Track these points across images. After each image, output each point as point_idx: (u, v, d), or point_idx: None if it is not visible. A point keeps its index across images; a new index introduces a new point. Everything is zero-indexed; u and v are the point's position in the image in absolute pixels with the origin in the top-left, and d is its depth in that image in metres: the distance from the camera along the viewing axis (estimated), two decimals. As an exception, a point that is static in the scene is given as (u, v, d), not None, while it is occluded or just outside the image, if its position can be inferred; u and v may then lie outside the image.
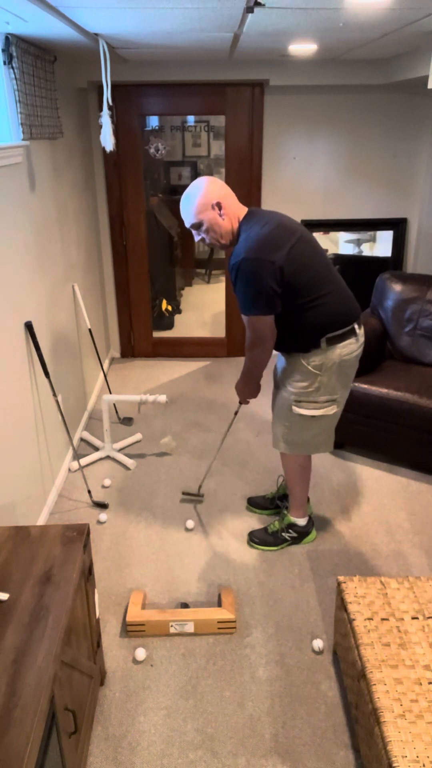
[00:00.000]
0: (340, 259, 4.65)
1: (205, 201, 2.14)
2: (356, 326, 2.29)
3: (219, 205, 2.14)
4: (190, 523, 2.83)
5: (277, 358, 2.48)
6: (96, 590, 1.94)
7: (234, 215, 2.19)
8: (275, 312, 2.15)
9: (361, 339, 2.34)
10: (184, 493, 3.02)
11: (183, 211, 2.21)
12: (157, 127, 6.29)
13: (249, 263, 2.06)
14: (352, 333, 2.27)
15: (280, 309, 2.16)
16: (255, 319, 2.15)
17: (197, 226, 2.20)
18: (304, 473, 2.58)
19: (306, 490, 2.63)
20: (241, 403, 2.57)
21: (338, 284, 2.26)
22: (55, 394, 2.91)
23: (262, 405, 3.79)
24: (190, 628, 2.24)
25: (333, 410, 2.36)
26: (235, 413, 2.83)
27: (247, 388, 2.44)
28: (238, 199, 2.29)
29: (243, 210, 2.23)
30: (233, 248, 2.20)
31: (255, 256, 2.06)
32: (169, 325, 5.37)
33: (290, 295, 2.13)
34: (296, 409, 2.34)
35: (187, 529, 2.81)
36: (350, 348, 2.28)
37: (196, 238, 2.26)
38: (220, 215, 2.15)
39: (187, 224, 2.22)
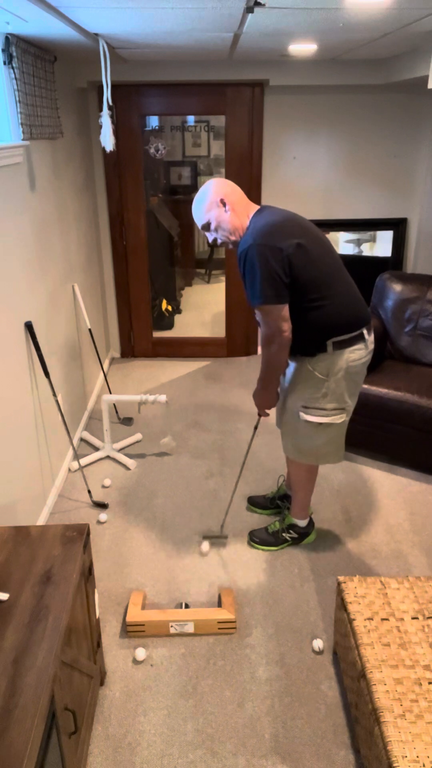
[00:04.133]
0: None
1: (211, 199, 2.16)
2: (365, 332, 2.25)
3: (223, 202, 2.15)
4: (205, 547, 2.68)
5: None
6: (96, 590, 1.94)
7: (243, 211, 2.18)
8: (285, 301, 2.10)
9: (371, 346, 2.28)
10: (205, 537, 2.75)
11: (194, 214, 2.23)
12: (157, 127, 6.29)
13: (257, 248, 2.04)
14: (361, 338, 2.23)
15: (288, 299, 2.11)
16: (267, 309, 2.10)
17: (207, 225, 2.20)
18: (310, 479, 2.57)
19: (310, 495, 2.62)
20: (260, 415, 2.47)
21: (348, 287, 2.23)
22: (55, 394, 2.91)
23: (262, 405, 3.79)
24: (190, 628, 2.24)
25: (341, 419, 2.32)
26: (255, 428, 2.63)
27: (266, 394, 2.34)
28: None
29: (255, 207, 2.23)
30: None
31: (263, 241, 2.05)
32: (169, 325, 5.37)
33: (296, 292, 2.11)
34: (303, 416, 2.31)
35: (203, 554, 2.67)
36: (358, 354, 2.23)
37: (209, 239, 2.25)
38: (226, 211, 2.15)
39: (199, 225, 2.23)
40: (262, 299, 2.08)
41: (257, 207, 2.23)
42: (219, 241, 2.23)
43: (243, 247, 2.10)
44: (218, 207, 2.15)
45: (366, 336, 2.26)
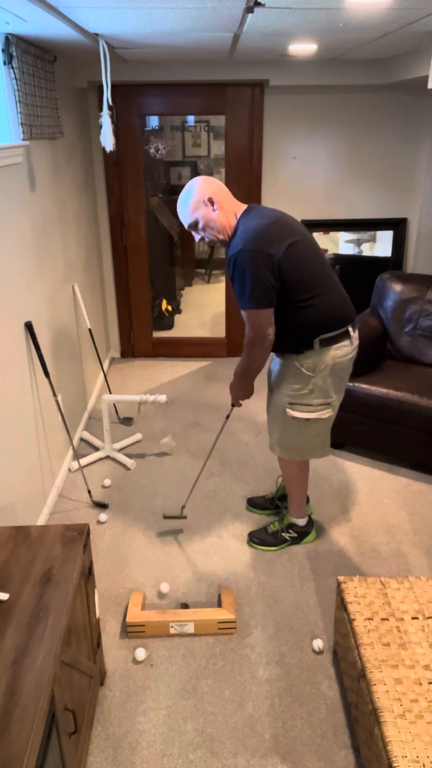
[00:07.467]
0: (340, 259, 4.65)
1: (198, 198, 2.15)
2: (350, 329, 2.28)
3: (211, 200, 2.14)
4: (165, 588, 2.43)
5: (271, 361, 2.47)
6: (96, 590, 1.94)
7: (230, 210, 2.18)
8: (273, 305, 2.13)
9: (356, 342, 2.32)
10: (165, 516, 2.81)
11: (180, 213, 2.22)
12: (157, 127, 6.29)
13: (247, 254, 2.05)
14: (346, 335, 2.26)
15: (275, 303, 2.13)
16: (254, 313, 2.12)
17: (194, 225, 2.19)
18: (302, 475, 2.58)
19: (304, 492, 2.63)
20: (233, 405, 2.49)
21: (334, 286, 2.25)
22: (55, 394, 2.91)
23: (262, 405, 3.79)
24: (190, 628, 2.24)
25: (327, 414, 2.35)
26: (227, 417, 2.67)
27: (243, 388, 2.38)
28: (239, 199, 2.28)
29: (241, 206, 2.22)
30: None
31: (253, 247, 2.05)
32: (169, 325, 5.37)
33: (285, 292, 2.12)
34: (290, 412, 2.33)
35: (161, 594, 2.44)
36: (344, 350, 2.26)
37: (197, 238, 2.25)
38: (214, 210, 2.15)
39: (186, 225, 2.22)
40: (251, 304, 2.10)
41: (244, 206, 2.22)
42: (207, 239, 2.23)
43: (233, 252, 2.10)
44: (206, 206, 2.15)
45: (351, 333, 2.29)
